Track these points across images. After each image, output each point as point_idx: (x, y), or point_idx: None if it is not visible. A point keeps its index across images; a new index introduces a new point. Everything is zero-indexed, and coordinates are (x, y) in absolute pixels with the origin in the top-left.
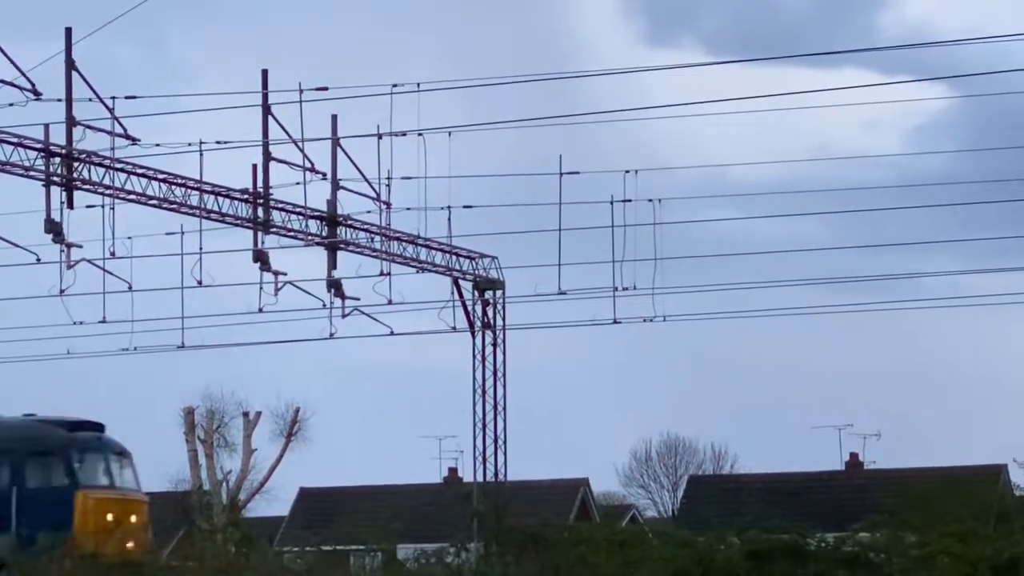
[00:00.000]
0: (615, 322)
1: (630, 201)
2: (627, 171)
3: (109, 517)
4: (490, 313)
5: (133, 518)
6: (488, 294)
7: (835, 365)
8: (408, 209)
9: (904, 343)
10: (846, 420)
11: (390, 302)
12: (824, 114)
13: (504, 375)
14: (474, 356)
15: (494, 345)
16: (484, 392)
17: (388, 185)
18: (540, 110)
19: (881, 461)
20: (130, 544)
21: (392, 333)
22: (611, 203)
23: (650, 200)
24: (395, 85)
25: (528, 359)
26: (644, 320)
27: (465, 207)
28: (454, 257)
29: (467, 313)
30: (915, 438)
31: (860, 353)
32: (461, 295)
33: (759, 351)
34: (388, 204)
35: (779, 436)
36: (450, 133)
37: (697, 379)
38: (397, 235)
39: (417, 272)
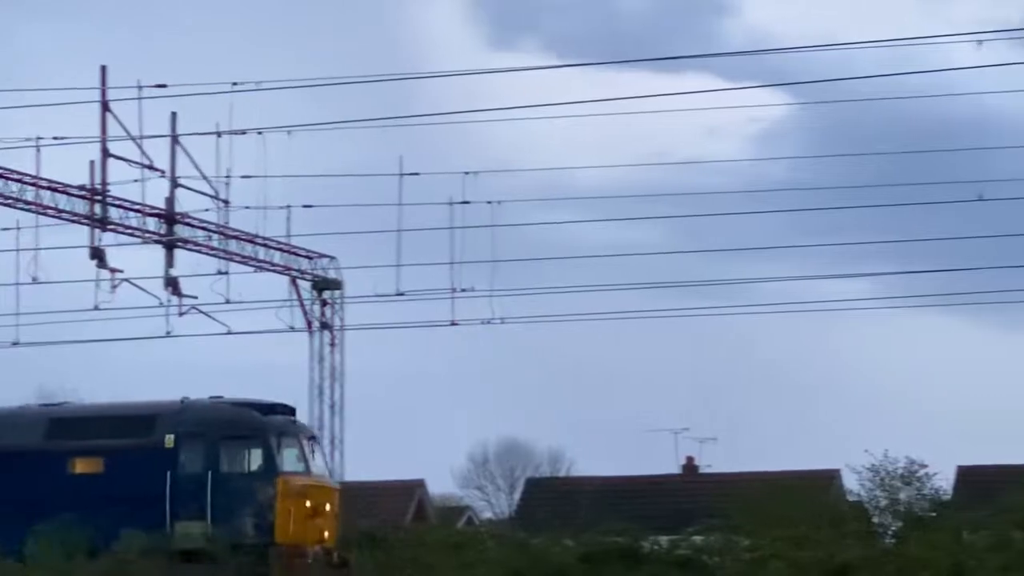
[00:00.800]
0: (453, 324)
1: (469, 203)
2: (466, 173)
3: (308, 504)
4: (328, 313)
5: (327, 506)
6: (326, 294)
7: (672, 369)
8: (247, 208)
9: (741, 348)
10: (683, 424)
11: (228, 301)
12: (666, 119)
13: (342, 375)
14: (311, 356)
15: (332, 345)
16: (321, 392)
17: (227, 183)
18: (383, 112)
19: (717, 465)
20: (326, 534)
21: (229, 332)
22: (450, 204)
23: (488, 202)
24: (235, 83)
25: (366, 360)
26: (481, 322)
27: (305, 207)
28: (293, 256)
29: (304, 313)
30: (751, 442)
31: (697, 358)
32: (299, 294)
33: (597, 354)
34: (226, 202)
35: (616, 439)
36: (289, 132)
37: (535, 382)
38: (236, 234)
39: (255, 271)
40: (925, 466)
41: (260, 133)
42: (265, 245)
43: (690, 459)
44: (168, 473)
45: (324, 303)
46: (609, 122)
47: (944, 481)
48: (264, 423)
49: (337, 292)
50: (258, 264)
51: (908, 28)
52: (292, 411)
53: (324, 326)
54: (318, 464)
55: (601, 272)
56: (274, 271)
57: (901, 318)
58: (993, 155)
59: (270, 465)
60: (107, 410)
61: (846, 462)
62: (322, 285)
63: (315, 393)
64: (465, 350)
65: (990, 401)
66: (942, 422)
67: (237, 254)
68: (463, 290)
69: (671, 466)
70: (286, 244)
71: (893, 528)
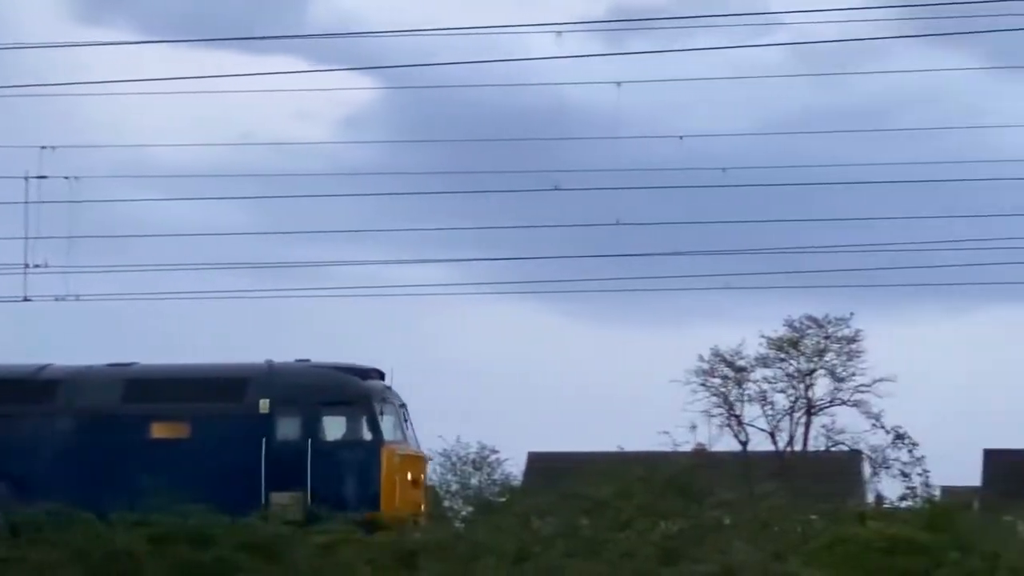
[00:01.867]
0: (26, 299)
1: (45, 178)
2: (44, 147)
3: (408, 476)
4: None
5: (422, 476)
6: None
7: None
8: None
9: (325, 331)
10: None
11: None
12: (254, 100)
13: None
14: None
15: None
16: None
17: None
18: None
19: None
20: (422, 507)
21: None
22: (25, 179)
23: (66, 178)
24: None
25: None
26: (56, 298)
27: None
28: None
29: None
30: None
31: (277, 338)
32: None
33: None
34: None
35: None
36: None
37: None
38: None
39: None
40: (496, 452)
41: None
42: None
43: None
44: (263, 440)
45: None
46: (197, 102)
47: (515, 467)
48: (367, 389)
49: None
50: None
51: (493, 16)
52: (383, 375)
53: None
54: (409, 432)
55: (184, 251)
56: None
57: (483, 304)
58: (569, 145)
59: (375, 434)
60: (189, 371)
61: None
62: None
63: None
64: (39, 326)
65: (563, 388)
66: (515, 408)
67: None
68: (36, 266)
69: None
70: None
71: (464, 512)
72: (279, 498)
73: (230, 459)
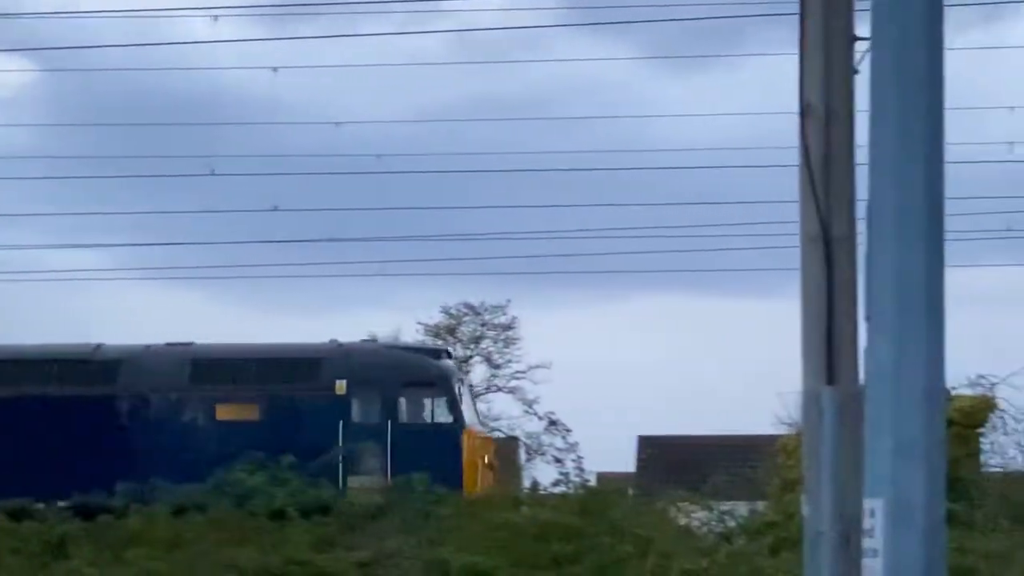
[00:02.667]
0: None
1: None
2: None
3: (485, 459)
4: None
5: (495, 459)
6: None
7: None
8: None
9: None
10: None
11: None
12: None
13: None
14: None
15: None
16: None
17: None
18: None
19: None
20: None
21: None
22: None
23: None
24: None
25: None
26: None
27: None
28: None
29: None
30: None
31: None
32: None
33: None
34: None
35: None
36: None
37: None
38: None
39: None
40: None
41: None
42: None
43: None
44: (340, 422)
45: None
46: None
47: None
48: (445, 369)
49: None
50: None
51: (154, 0)
52: (451, 355)
53: None
54: (477, 414)
55: None
56: None
57: (138, 290)
58: (226, 130)
59: (456, 416)
60: (258, 352)
61: None
62: None
63: None
64: None
65: None
66: None
67: None
68: None
69: None
70: None
71: None
72: (358, 482)
73: (305, 442)
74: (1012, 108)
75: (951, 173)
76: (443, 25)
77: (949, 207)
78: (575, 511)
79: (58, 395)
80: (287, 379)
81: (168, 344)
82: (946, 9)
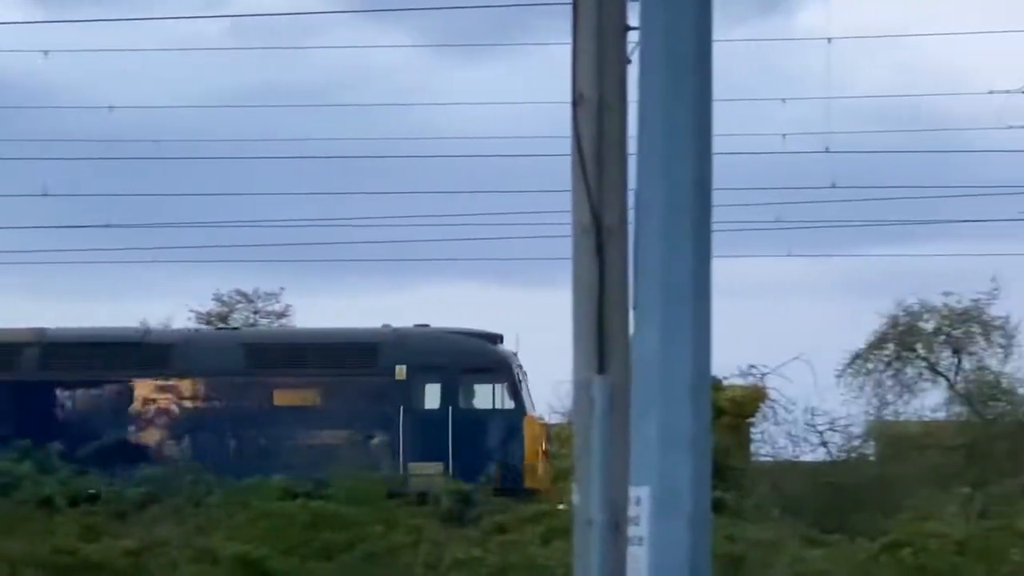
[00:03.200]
0: None
1: None
2: None
3: (544, 446)
4: None
5: (548, 446)
6: None
7: None
8: None
9: None
10: None
11: None
12: None
13: None
14: None
15: None
16: None
17: None
18: None
19: None
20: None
21: None
22: None
23: None
24: None
25: None
26: None
27: None
28: None
29: None
30: None
31: None
32: None
33: None
34: None
35: None
36: None
37: None
38: None
39: None
40: None
41: None
42: None
43: None
44: (400, 408)
45: None
46: None
47: None
48: (506, 355)
49: None
50: None
51: None
52: (503, 340)
53: None
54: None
55: None
56: None
57: None
58: None
59: (518, 402)
60: (312, 336)
61: None
62: None
63: None
64: None
65: None
66: None
67: None
68: None
69: None
70: None
71: None
72: (419, 468)
73: (364, 427)
74: (784, 100)
75: (726, 164)
76: (225, 11)
77: (722, 198)
78: (345, 501)
79: (108, 379)
80: (345, 364)
81: (217, 329)
82: (723, 1)
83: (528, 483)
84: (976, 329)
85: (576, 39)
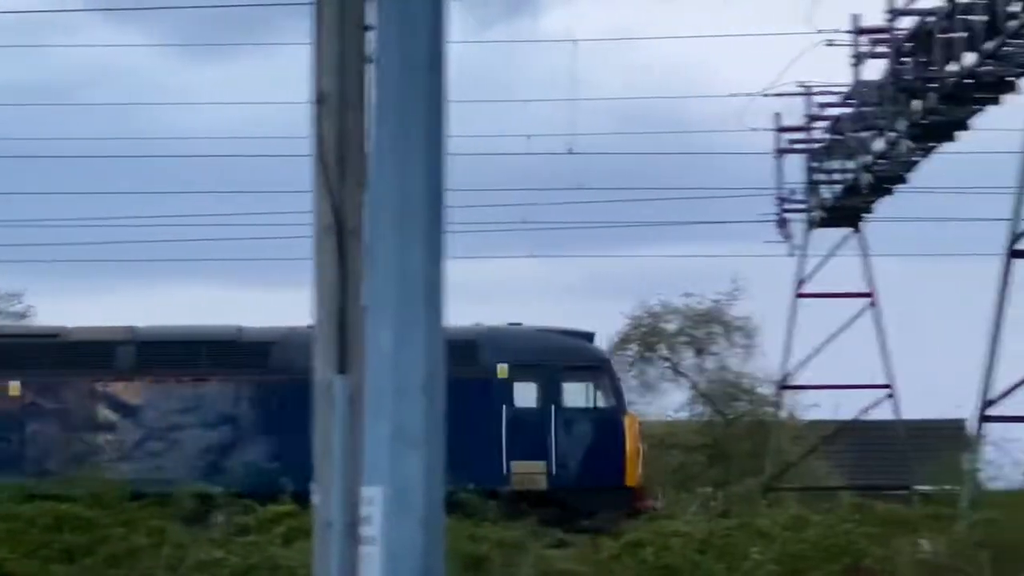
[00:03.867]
0: None
1: None
2: None
3: (641, 445)
4: None
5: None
6: None
7: None
8: None
9: None
10: None
11: None
12: None
13: None
14: None
15: None
16: None
17: None
18: None
19: None
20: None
21: None
22: None
23: None
24: None
25: None
26: None
27: None
28: None
29: None
30: None
31: None
32: None
33: None
34: None
35: None
36: None
37: None
38: None
39: None
40: None
41: None
42: None
43: None
44: (503, 407)
45: None
46: None
47: None
48: (604, 354)
49: None
50: None
51: None
52: (594, 338)
53: None
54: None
55: None
56: None
57: None
58: None
59: (619, 401)
60: None
61: None
62: None
63: None
64: None
65: None
66: None
67: None
68: None
69: None
70: None
71: None
72: (522, 467)
73: (467, 427)
74: (526, 102)
75: (473, 165)
76: None
77: (468, 199)
78: (90, 504)
79: (203, 378)
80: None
81: (309, 327)
82: (472, 3)
83: (629, 481)
84: (717, 330)
85: (318, 38)
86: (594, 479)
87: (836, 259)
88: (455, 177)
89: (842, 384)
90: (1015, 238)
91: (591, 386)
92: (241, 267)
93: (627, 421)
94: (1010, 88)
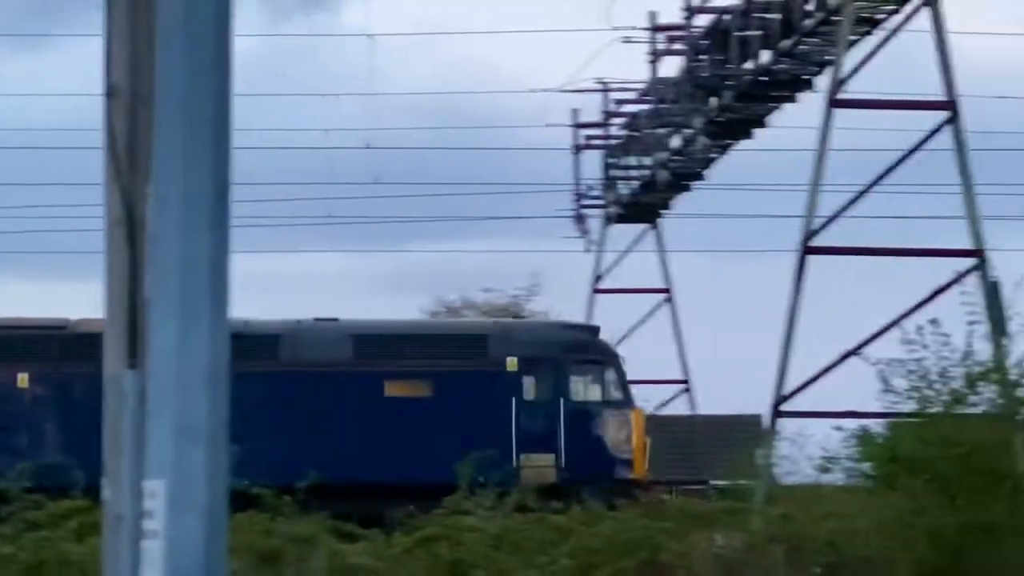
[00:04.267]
0: None
1: None
2: None
3: (647, 440)
4: None
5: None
6: None
7: None
8: None
9: None
10: None
11: None
12: None
13: None
14: None
15: None
16: None
17: None
18: None
19: None
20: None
21: None
22: None
23: None
24: None
25: None
26: None
27: None
28: None
29: None
30: None
31: None
32: None
33: None
34: None
35: None
36: None
37: None
38: None
39: None
40: None
41: None
42: None
43: None
44: (513, 400)
45: None
46: None
47: None
48: (612, 348)
49: None
50: None
51: None
52: (600, 332)
53: None
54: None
55: None
56: None
57: None
58: None
59: (626, 395)
60: (419, 327)
61: None
62: None
63: None
64: None
65: None
66: None
67: None
68: None
69: None
70: None
71: None
72: (531, 460)
73: (477, 419)
74: (325, 95)
75: (269, 160)
76: None
77: (269, 193)
78: None
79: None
80: (455, 356)
81: (317, 319)
82: None
83: (637, 474)
84: None
85: (110, 29)
86: (603, 472)
87: (634, 255)
88: (253, 172)
89: (639, 379)
90: (809, 235)
91: (600, 380)
92: (48, 260)
93: (635, 415)
94: (806, 86)
